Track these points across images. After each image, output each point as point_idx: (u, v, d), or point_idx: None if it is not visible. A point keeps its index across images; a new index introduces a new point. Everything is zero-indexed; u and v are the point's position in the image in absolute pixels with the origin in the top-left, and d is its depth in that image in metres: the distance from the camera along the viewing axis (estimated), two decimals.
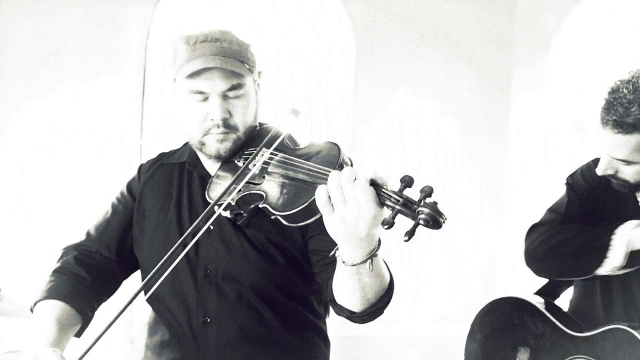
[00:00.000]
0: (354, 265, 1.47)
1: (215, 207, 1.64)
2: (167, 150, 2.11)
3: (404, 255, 4.81)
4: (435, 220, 1.31)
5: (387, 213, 1.36)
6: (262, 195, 1.63)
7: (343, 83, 4.97)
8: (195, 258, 1.89)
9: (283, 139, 1.73)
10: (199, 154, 1.93)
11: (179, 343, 1.93)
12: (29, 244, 4.16)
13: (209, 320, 1.89)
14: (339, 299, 1.64)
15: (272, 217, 1.58)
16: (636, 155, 1.99)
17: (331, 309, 1.89)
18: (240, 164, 1.79)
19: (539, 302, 2.35)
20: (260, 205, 1.61)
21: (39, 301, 1.86)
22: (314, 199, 1.43)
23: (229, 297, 1.88)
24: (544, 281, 2.41)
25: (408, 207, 1.34)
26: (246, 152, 1.82)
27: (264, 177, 1.67)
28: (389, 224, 1.33)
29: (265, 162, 1.68)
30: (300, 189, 1.54)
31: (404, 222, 1.35)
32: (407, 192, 1.37)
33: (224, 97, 1.80)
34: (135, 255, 2.00)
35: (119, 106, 4.44)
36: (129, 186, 2.05)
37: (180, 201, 1.95)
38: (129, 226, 2.00)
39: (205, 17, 4.56)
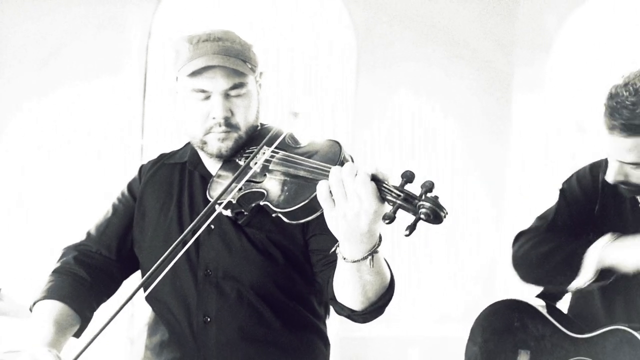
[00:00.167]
0: (355, 261, 1.46)
1: (216, 206, 1.64)
2: (168, 150, 2.11)
3: (405, 256, 4.81)
4: (436, 215, 1.31)
5: (388, 208, 1.36)
6: (263, 194, 1.63)
7: (344, 83, 4.97)
8: (196, 258, 1.89)
9: (284, 137, 1.73)
10: (201, 153, 1.93)
11: (178, 343, 1.93)
12: (29, 244, 4.16)
13: (209, 319, 1.88)
14: (340, 297, 1.64)
15: (273, 215, 1.57)
16: None
17: (332, 310, 1.89)
18: (241, 163, 1.79)
19: (539, 304, 2.35)
20: (262, 203, 1.61)
21: (37, 301, 1.86)
22: (315, 196, 1.43)
23: (229, 297, 1.87)
24: None
25: (409, 201, 1.34)
26: (247, 151, 1.82)
27: (265, 175, 1.67)
28: (390, 218, 1.34)
29: (266, 161, 1.68)
30: (302, 186, 1.54)
31: (405, 219, 1.34)
32: (408, 188, 1.37)
33: (226, 95, 1.81)
34: (136, 255, 2.00)
35: (119, 106, 4.44)
36: (130, 186, 2.05)
37: (181, 201, 1.95)
38: (130, 226, 2.00)
39: (206, 17, 4.56)
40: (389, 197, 1.36)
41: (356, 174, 1.37)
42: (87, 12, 4.36)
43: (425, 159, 4.94)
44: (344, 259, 1.48)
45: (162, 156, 2.08)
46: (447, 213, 1.32)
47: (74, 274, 1.92)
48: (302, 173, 1.55)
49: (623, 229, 2.14)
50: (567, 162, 4.88)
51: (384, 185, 1.37)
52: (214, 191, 1.79)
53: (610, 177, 2.03)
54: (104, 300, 1.97)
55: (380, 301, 1.61)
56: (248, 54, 1.85)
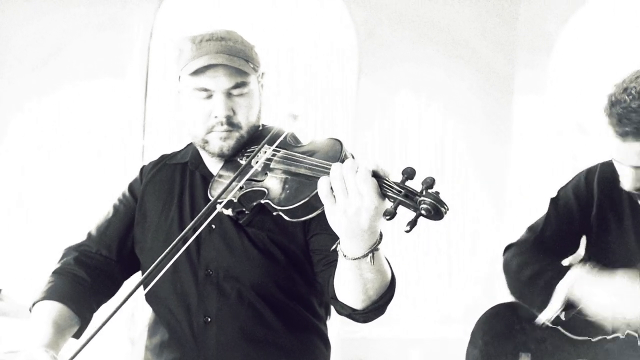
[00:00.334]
0: (355, 259, 1.46)
1: (217, 205, 1.64)
2: (169, 151, 2.12)
3: (406, 257, 4.81)
4: (437, 210, 1.31)
5: (388, 205, 1.36)
6: (264, 192, 1.63)
7: (344, 84, 4.97)
8: (197, 257, 1.89)
9: (285, 136, 1.73)
10: (202, 153, 1.93)
11: (178, 343, 1.93)
12: (29, 244, 4.15)
13: (209, 320, 1.88)
14: (340, 296, 1.64)
15: (274, 214, 1.57)
16: None
17: (333, 310, 1.89)
18: (242, 162, 1.79)
19: None
20: (263, 201, 1.61)
21: (37, 302, 1.86)
22: (316, 193, 1.43)
23: (229, 297, 1.87)
24: None
25: (410, 197, 1.34)
26: (248, 150, 1.82)
27: (266, 174, 1.67)
28: (390, 214, 1.33)
29: (267, 159, 1.68)
30: (303, 184, 1.54)
31: (405, 217, 1.34)
32: (409, 185, 1.37)
33: (228, 95, 1.81)
34: (136, 256, 2.00)
35: (121, 106, 4.44)
36: (131, 187, 2.05)
37: (182, 201, 1.95)
38: (130, 226, 2.00)
39: (208, 17, 4.56)
40: (390, 194, 1.36)
41: (357, 170, 1.37)
42: (88, 12, 4.36)
43: (426, 160, 4.94)
44: (345, 256, 1.47)
45: (164, 157, 2.09)
46: (447, 209, 1.32)
47: (74, 275, 1.92)
48: (303, 171, 1.56)
49: (623, 230, 2.13)
50: (567, 164, 4.88)
51: (385, 181, 1.38)
52: (215, 191, 1.79)
53: (628, 185, 2.00)
54: (105, 301, 1.97)
55: (381, 300, 1.60)
56: (250, 54, 1.86)
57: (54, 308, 1.83)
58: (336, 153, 1.57)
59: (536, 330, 2.27)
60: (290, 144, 1.74)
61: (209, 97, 1.81)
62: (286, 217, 1.55)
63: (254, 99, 1.86)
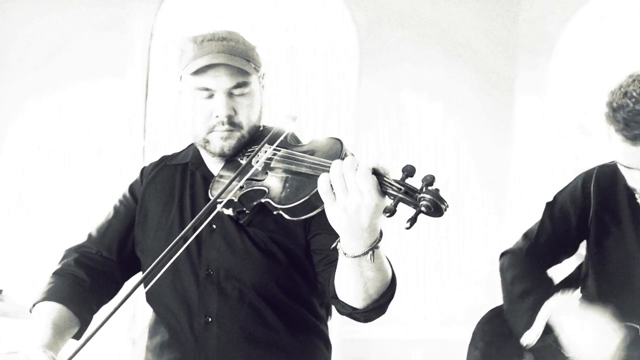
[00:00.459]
0: (355, 257, 1.46)
1: (218, 205, 1.64)
2: (170, 152, 2.11)
3: (407, 257, 4.80)
4: (436, 207, 1.31)
5: (388, 202, 1.36)
6: (264, 191, 1.63)
7: (346, 85, 4.97)
8: (198, 258, 1.89)
9: (286, 136, 1.73)
10: (203, 153, 1.93)
11: (179, 343, 1.92)
12: (30, 245, 4.16)
13: (210, 320, 1.88)
14: (341, 295, 1.63)
15: (275, 213, 1.57)
16: None
17: (334, 311, 1.88)
18: (243, 162, 1.79)
19: None
20: (263, 200, 1.61)
21: (37, 303, 1.86)
22: (316, 192, 1.43)
23: (230, 297, 1.87)
24: None
25: (410, 195, 1.34)
26: (249, 150, 1.82)
27: (266, 173, 1.67)
28: (390, 211, 1.33)
29: (268, 159, 1.68)
30: (303, 182, 1.54)
31: (405, 215, 1.34)
32: (409, 182, 1.37)
33: (230, 94, 1.81)
34: (136, 257, 2.00)
35: (121, 107, 4.44)
36: (131, 188, 2.05)
37: (183, 201, 1.95)
38: (131, 227, 2.00)
39: (209, 18, 4.56)
40: (390, 191, 1.36)
41: (357, 168, 1.37)
42: (89, 13, 4.36)
43: (427, 160, 4.94)
44: (345, 254, 1.47)
45: (164, 158, 2.08)
46: (447, 206, 1.32)
47: (74, 276, 1.92)
48: (303, 169, 1.55)
49: (622, 233, 2.13)
50: (568, 164, 4.88)
51: (385, 179, 1.37)
52: (216, 191, 1.79)
53: None
54: (105, 302, 1.96)
55: (382, 299, 1.60)
56: (252, 55, 1.86)
57: (54, 309, 1.83)
58: (337, 152, 1.57)
59: None
60: (291, 143, 1.74)
61: (210, 96, 1.81)
62: (286, 216, 1.55)
63: (255, 99, 1.86)
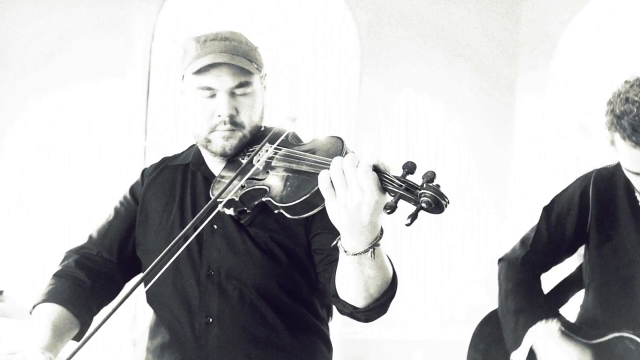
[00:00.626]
0: (356, 254, 1.45)
1: (219, 205, 1.63)
2: (171, 152, 2.11)
3: (407, 258, 4.80)
4: (437, 203, 1.31)
5: (389, 199, 1.36)
6: (265, 190, 1.62)
7: (347, 85, 4.97)
8: (199, 258, 1.88)
9: (287, 135, 1.73)
10: (204, 153, 1.93)
11: (179, 344, 1.92)
12: (30, 245, 4.15)
13: (211, 320, 1.88)
14: (342, 294, 1.63)
15: (276, 211, 1.57)
16: None
17: (334, 312, 1.88)
18: (244, 162, 1.79)
19: None
20: (264, 199, 1.61)
21: (37, 304, 1.85)
22: (317, 190, 1.42)
23: (231, 298, 1.87)
24: (547, 284, 2.40)
25: (411, 191, 1.34)
26: (250, 150, 1.82)
27: (267, 172, 1.67)
28: (391, 208, 1.33)
29: (269, 158, 1.68)
30: (304, 181, 1.53)
31: (406, 213, 1.34)
32: (410, 179, 1.37)
33: (232, 94, 1.81)
34: (137, 258, 1.99)
35: (122, 108, 4.44)
36: (132, 190, 2.05)
37: (184, 202, 1.95)
38: (132, 229, 1.99)
39: (210, 18, 4.56)
40: (391, 187, 1.36)
41: (357, 165, 1.37)
42: (90, 14, 4.37)
43: (428, 160, 4.94)
44: (345, 252, 1.46)
45: (165, 159, 2.08)
46: (448, 202, 1.32)
47: (74, 278, 1.92)
48: (304, 168, 1.55)
49: (622, 236, 2.12)
50: (569, 165, 4.88)
51: (386, 175, 1.37)
52: (217, 191, 1.78)
53: None
54: (105, 304, 1.96)
55: (383, 297, 1.59)
56: (254, 55, 1.86)
57: (54, 311, 1.82)
58: (337, 150, 1.57)
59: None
60: (292, 142, 1.74)
61: (213, 96, 1.81)
62: (287, 215, 1.54)
63: (257, 99, 1.86)
